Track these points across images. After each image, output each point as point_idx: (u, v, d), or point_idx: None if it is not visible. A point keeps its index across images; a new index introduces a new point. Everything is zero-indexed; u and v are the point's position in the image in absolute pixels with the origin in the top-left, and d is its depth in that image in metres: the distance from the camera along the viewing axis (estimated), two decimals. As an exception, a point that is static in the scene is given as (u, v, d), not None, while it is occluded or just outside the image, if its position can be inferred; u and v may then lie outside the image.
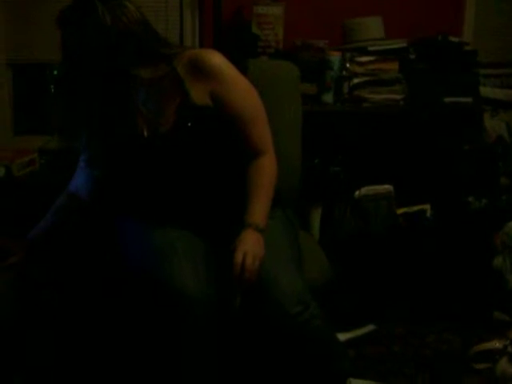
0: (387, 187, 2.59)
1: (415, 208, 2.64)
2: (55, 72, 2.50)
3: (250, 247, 1.50)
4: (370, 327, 2.35)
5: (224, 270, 1.53)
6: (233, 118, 1.62)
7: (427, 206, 2.66)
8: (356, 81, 2.59)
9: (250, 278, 1.47)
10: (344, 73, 2.58)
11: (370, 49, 2.61)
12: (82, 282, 1.75)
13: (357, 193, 2.52)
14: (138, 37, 1.52)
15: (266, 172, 1.65)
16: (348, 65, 2.58)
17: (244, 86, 1.65)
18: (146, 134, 1.61)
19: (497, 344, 1.74)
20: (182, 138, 1.60)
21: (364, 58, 2.60)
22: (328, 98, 2.59)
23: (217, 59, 1.61)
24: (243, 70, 2.00)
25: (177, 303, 1.46)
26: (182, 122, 1.60)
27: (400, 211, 2.62)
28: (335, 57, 2.58)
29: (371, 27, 2.72)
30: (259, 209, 1.59)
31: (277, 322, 1.48)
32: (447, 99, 2.74)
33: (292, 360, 1.54)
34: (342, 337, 2.18)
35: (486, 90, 2.91)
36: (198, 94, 1.59)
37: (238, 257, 1.48)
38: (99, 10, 1.48)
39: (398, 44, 2.68)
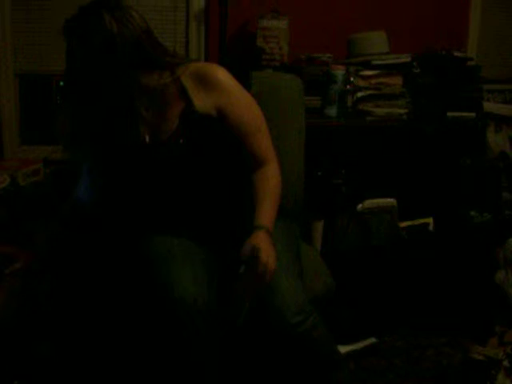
0: (390, 201, 2.59)
1: (418, 221, 2.65)
2: (61, 83, 2.52)
3: (269, 248, 1.51)
4: (370, 340, 2.35)
5: (227, 277, 1.54)
6: (237, 130, 1.64)
7: (430, 220, 2.67)
8: (360, 94, 2.60)
9: (269, 279, 1.48)
10: (348, 87, 2.59)
11: (374, 63, 2.62)
12: (85, 290, 1.76)
13: (359, 206, 2.53)
14: (143, 45, 1.54)
15: (271, 179, 1.67)
16: (352, 79, 2.59)
17: (246, 99, 1.68)
18: (148, 140, 1.64)
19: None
20: (184, 145, 1.62)
21: (368, 72, 2.61)
22: (332, 111, 2.60)
23: (220, 74, 1.64)
24: (247, 82, 2.02)
25: (176, 311, 1.47)
26: (184, 128, 1.62)
27: (403, 225, 2.62)
28: (339, 71, 2.58)
29: (375, 41, 2.74)
30: (268, 212, 1.60)
31: (277, 331, 1.48)
32: (450, 114, 2.76)
33: (292, 369, 1.55)
34: (343, 349, 2.19)
35: (489, 105, 2.93)
36: (201, 104, 1.62)
37: (264, 256, 1.48)
38: (106, 18, 1.50)
39: (402, 58, 2.69)
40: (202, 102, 1.62)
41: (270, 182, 1.66)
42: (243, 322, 1.48)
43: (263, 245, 1.51)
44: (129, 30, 1.52)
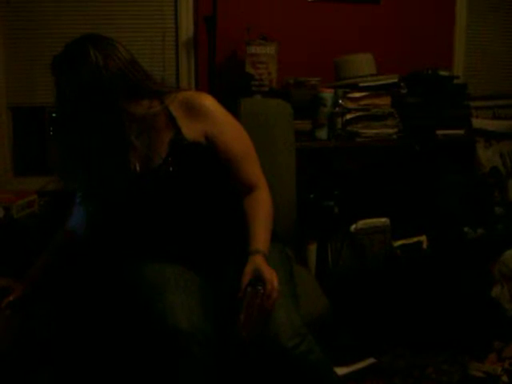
0: (383, 220, 2.61)
1: (411, 240, 2.66)
2: (54, 114, 2.54)
3: (270, 269, 1.54)
4: (369, 360, 2.34)
5: (221, 303, 1.54)
6: (225, 157, 1.67)
7: (423, 238, 2.68)
8: (349, 116, 2.61)
9: (277, 297, 1.50)
10: (337, 109, 2.62)
11: (362, 85, 2.64)
12: (80, 319, 1.76)
13: (353, 226, 2.54)
14: (129, 75, 1.58)
15: (262, 204, 1.69)
16: (341, 101, 2.61)
17: (234, 127, 1.71)
18: (138, 169, 1.66)
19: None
20: (174, 173, 1.64)
21: (356, 94, 2.63)
22: (322, 134, 2.62)
23: (208, 102, 1.67)
24: (236, 109, 2.05)
25: (170, 339, 1.47)
26: (173, 156, 1.64)
27: (397, 243, 2.63)
28: (328, 93, 2.61)
29: (363, 64, 2.76)
30: (262, 237, 1.63)
31: (273, 354, 1.48)
32: (440, 132, 2.78)
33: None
34: (342, 371, 2.18)
35: (478, 122, 2.96)
36: (190, 132, 1.65)
37: (268, 276, 1.51)
38: (91, 52, 1.54)
39: (390, 79, 2.71)
40: (190, 129, 1.65)
41: (262, 207, 1.68)
42: (254, 337, 1.48)
43: (264, 266, 1.53)
44: (114, 61, 1.56)
